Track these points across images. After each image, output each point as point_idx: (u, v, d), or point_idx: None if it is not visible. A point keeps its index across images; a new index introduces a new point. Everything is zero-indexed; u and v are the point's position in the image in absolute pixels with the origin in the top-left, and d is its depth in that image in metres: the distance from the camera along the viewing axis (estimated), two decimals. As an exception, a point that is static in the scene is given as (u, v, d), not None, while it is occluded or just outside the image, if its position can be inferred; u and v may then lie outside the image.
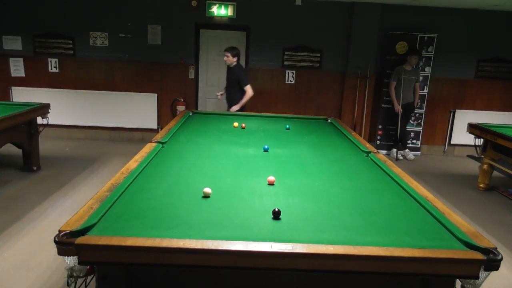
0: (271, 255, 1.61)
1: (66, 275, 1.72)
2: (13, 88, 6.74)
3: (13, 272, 2.95)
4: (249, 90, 5.35)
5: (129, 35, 6.72)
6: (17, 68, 6.75)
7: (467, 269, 1.66)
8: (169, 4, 6.60)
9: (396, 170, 2.82)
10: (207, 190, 2.21)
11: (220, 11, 6.58)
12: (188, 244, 1.61)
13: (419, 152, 7.09)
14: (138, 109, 6.88)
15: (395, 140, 6.75)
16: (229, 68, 5.42)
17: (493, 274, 1.72)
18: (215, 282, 1.86)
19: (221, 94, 5.70)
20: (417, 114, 6.94)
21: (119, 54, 6.77)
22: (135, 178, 2.41)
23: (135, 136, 7.03)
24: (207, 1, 6.53)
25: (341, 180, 2.65)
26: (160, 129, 6.72)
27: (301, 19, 6.69)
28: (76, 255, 1.60)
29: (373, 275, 1.78)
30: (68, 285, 1.71)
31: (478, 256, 1.65)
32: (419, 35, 6.61)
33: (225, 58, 5.31)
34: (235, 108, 5.35)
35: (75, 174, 5.09)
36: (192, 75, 6.85)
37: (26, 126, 4.89)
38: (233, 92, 5.45)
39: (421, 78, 6.65)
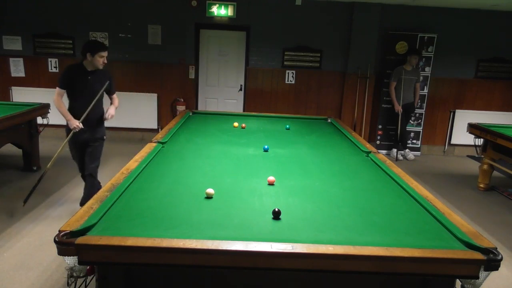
0: (271, 255, 1.61)
1: (66, 275, 1.72)
2: (13, 88, 6.74)
3: (12, 272, 2.95)
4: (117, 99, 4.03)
5: (129, 35, 6.72)
6: (17, 68, 6.75)
7: (467, 269, 1.67)
8: (169, 4, 6.60)
9: (396, 170, 2.82)
10: (210, 191, 2.22)
11: (220, 11, 6.58)
12: (188, 244, 1.61)
13: (419, 152, 7.09)
14: (138, 109, 6.88)
15: (395, 140, 6.74)
16: (96, 72, 3.69)
17: (493, 274, 1.72)
18: (215, 282, 1.86)
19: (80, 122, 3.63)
20: (417, 114, 6.94)
21: (119, 54, 6.77)
22: (135, 178, 2.41)
23: (135, 136, 7.03)
24: (207, 1, 6.53)
25: (341, 180, 2.65)
26: (160, 129, 6.73)
27: (301, 19, 6.69)
28: (76, 255, 1.60)
29: (373, 275, 1.78)
30: (68, 285, 1.71)
31: (478, 256, 1.66)
32: (419, 35, 6.61)
33: (105, 60, 3.66)
34: (113, 111, 3.89)
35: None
36: (192, 75, 6.85)
37: (26, 126, 4.89)
38: (100, 105, 3.88)
39: (421, 78, 6.65)
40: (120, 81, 6.85)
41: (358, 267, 1.64)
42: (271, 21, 6.70)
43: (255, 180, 2.55)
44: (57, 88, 3.63)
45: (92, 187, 3.76)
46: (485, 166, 5.23)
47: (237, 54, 6.95)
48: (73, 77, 3.63)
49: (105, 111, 3.86)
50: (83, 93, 3.66)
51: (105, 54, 3.63)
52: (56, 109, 3.63)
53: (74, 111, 3.66)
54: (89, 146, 3.81)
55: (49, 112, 5.11)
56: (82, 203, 3.76)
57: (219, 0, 6.54)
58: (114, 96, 3.99)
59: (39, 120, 5.10)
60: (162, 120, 6.96)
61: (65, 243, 1.59)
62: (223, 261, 1.63)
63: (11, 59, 6.71)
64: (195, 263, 1.63)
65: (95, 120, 3.79)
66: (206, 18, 6.65)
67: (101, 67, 3.67)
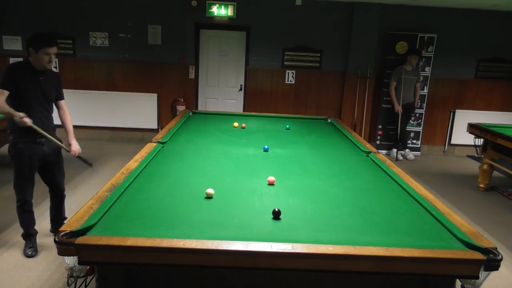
0: (271, 255, 1.61)
1: (66, 275, 1.72)
2: (13, 88, 6.73)
3: (12, 272, 2.95)
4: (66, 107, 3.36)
5: (129, 35, 6.72)
6: (17, 68, 6.75)
7: (467, 269, 1.67)
8: (169, 4, 6.60)
9: (396, 170, 2.82)
10: (210, 191, 2.22)
11: (220, 11, 6.58)
12: (188, 244, 1.61)
13: (419, 152, 7.09)
14: (138, 109, 6.88)
15: (395, 140, 6.75)
16: (46, 72, 3.09)
17: (493, 274, 1.72)
18: (215, 282, 1.86)
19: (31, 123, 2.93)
20: (417, 114, 6.94)
21: (119, 54, 6.77)
22: (135, 178, 2.41)
23: (135, 136, 7.03)
24: (207, 1, 6.53)
25: (341, 180, 2.65)
26: (160, 129, 6.73)
27: (301, 19, 6.69)
28: (76, 255, 1.60)
29: (373, 275, 1.78)
30: (68, 285, 1.71)
31: (478, 256, 1.66)
32: (419, 35, 6.61)
33: (51, 58, 2.99)
34: (76, 145, 3.31)
35: (75, 174, 5.08)
36: (192, 75, 6.85)
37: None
38: (49, 113, 3.20)
39: (421, 78, 6.65)
40: (120, 81, 6.86)
41: (358, 267, 1.64)
42: (271, 21, 6.70)
43: (255, 180, 2.55)
44: (0, 91, 2.88)
45: (63, 201, 3.46)
46: (485, 166, 5.23)
47: (237, 54, 6.95)
48: (21, 77, 2.94)
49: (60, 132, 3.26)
50: (35, 98, 3.00)
51: (52, 50, 2.94)
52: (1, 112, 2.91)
53: (26, 126, 2.91)
54: (49, 162, 3.23)
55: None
56: (55, 220, 3.45)
57: (219, 0, 6.53)
58: (63, 103, 3.31)
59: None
60: (162, 120, 6.96)
61: (65, 243, 1.59)
62: (223, 261, 1.63)
63: (11, 59, 6.70)
64: (195, 263, 1.63)
65: (49, 129, 3.13)
66: (206, 18, 6.65)
67: (47, 66, 3.00)
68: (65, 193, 3.50)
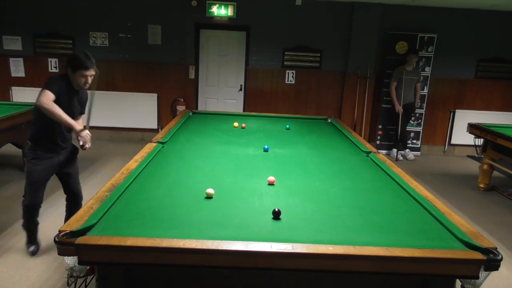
0: (271, 255, 1.61)
1: (66, 275, 1.72)
2: (13, 88, 6.73)
3: (13, 272, 2.95)
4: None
5: (129, 35, 6.72)
6: (17, 68, 6.75)
7: (467, 269, 1.67)
8: (169, 4, 6.60)
9: (396, 170, 2.82)
10: (210, 191, 2.22)
11: (220, 11, 6.58)
12: (188, 244, 1.61)
13: (419, 152, 7.09)
14: (138, 109, 6.88)
15: (395, 140, 6.75)
16: (78, 92, 3.14)
17: (493, 274, 1.72)
18: (215, 282, 1.86)
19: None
20: (417, 114, 6.94)
21: (119, 54, 6.77)
22: (135, 178, 2.41)
23: (135, 136, 7.03)
24: (207, 1, 6.53)
25: (341, 180, 2.65)
26: (160, 129, 6.73)
27: (301, 19, 6.69)
28: (76, 255, 1.60)
29: (373, 275, 1.78)
30: (68, 285, 1.71)
31: (478, 256, 1.66)
32: (419, 35, 6.61)
33: (88, 80, 3.00)
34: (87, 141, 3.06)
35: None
36: (192, 75, 6.86)
37: (26, 126, 4.88)
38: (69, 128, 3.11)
39: (421, 78, 6.65)
40: (120, 81, 6.86)
41: (358, 267, 1.64)
42: (271, 21, 6.70)
43: (255, 180, 2.55)
44: (47, 91, 2.85)
45: (78, 207, 3.38)
46: (485, 166, 5.23)
47: (237, 54, 6.95)
48: (60, 91, 2.90)
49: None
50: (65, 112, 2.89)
51: (88, 73, 2.92)
52: (51, 112, 2.82)
53: (49, 136, 3.00)
54: (66, 170, 3.23)
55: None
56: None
57: (219, 0, 6.53)
58: (80, 117, 3.28)
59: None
60: (162, 120, 6.96)
61: (65, 243, 1.59)
62: (223, 261, 1.63)
63: (11, 59, 6.71)
64: (195, 263, 1.63)
65: (67, 141, 3.18)
66: (206, 18, 6.65)
67: (83, 87, 3.02)
68: (82, 201, 3.41)
